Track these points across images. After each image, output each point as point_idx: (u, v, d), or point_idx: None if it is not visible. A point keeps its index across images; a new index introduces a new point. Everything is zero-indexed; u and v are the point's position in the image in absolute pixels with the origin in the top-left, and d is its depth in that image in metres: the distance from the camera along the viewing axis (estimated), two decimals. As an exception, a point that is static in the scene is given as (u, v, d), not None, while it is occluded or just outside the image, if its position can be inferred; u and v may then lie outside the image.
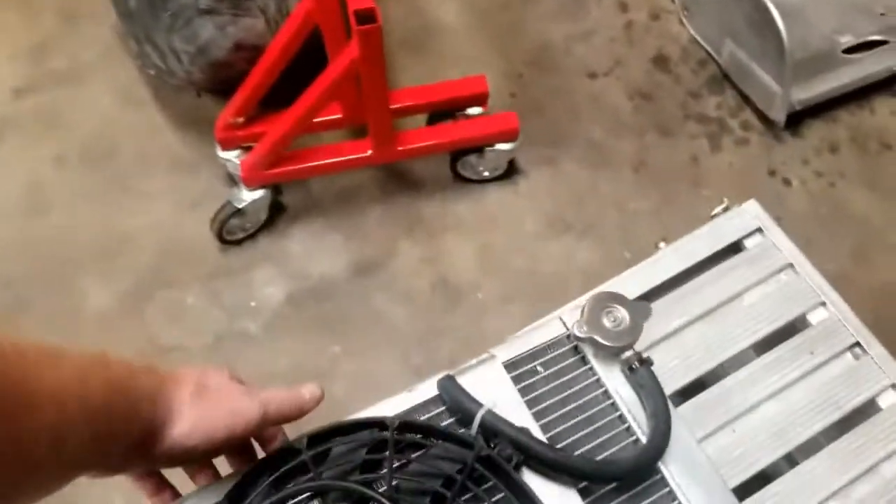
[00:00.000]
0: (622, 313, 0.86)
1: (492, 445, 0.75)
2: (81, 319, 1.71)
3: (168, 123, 1.93)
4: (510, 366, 0.84)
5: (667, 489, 0.82)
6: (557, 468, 0.76)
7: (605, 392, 0.85)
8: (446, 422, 0.80)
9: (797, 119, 1.97)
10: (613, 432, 0.83)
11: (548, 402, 0.83)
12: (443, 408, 0.81)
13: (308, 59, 1.57)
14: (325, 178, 1.84)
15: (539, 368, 0.85)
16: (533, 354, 0.86)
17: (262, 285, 1.77)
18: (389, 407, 0.80)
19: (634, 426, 0.84)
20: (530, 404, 0.82)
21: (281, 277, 1.78)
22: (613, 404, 0.84)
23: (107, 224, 1.81)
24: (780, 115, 1.88)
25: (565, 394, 0.84)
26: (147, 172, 1.87)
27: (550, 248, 1.82)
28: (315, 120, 1.62)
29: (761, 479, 0.90)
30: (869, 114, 2.01)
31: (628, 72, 2.05)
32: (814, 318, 0.98)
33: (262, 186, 1.65)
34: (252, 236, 1.79)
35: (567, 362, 0.86)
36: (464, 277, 1.78)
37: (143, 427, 0.65)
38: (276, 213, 1.80)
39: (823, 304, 0.99)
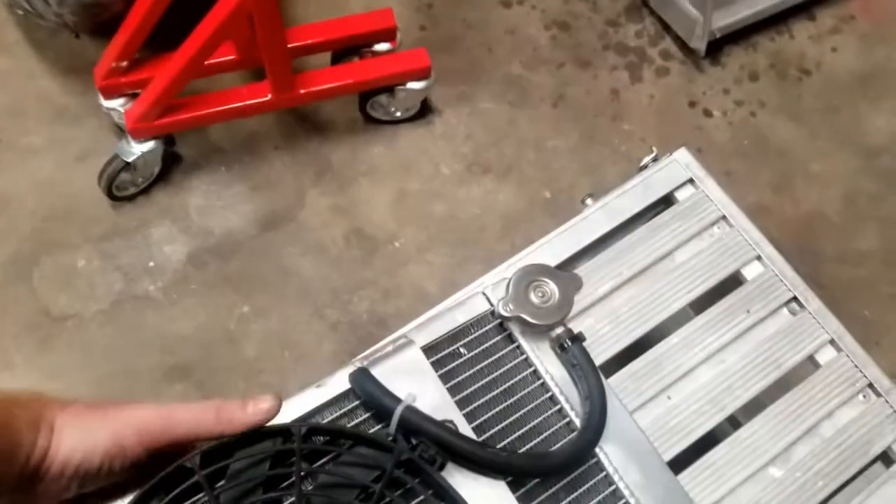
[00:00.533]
0: (551, 287, 0.78)
1: (413, 445, 0.67)
2: (-41, 291, 1.55)
3: (44, 70, 1.74)
4: (430, 350, 0.76)
5: (602, 473, 0.76)
6: (487, 467, 0.69)
7: (535, 372, 0.78)
8: (360, 419, 0.71)
9: (717, 47, 1.91)
10: (545, 415, 0.76)
11: (472, 388, 0.75)
12: (356, 402, 0.72)
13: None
14: (224, 125, 1.69)
15: (462, 350, 0.77)
16: (454, 336, 0.78)
17: (160, 244, 1.64)
18: (296, 406, 0.71)
19: (567, 408, 0.77)
20: (453, 391, 0.74)
21: (181, 234, 1.65)
22: (543, 385, 0.77)
23: (-19, 184, 1.64)
24: (700, 44, 1.81)
25: (491, 377, 0.76)
26: (24, 126, 1.69)
27: (469, 191, 1.73)
28: (207, 62, 1.47)
29: (700, 447, 0.85)
30: (788, 39, 1.96)
31: (544, 0, 1.95)
32: (749, 273, 0.93)
33: (153, 137, 1.50)
34: (146, 191, 1.64)
35: (492, 342, 0.78)
36: (379, 226, 1.69)
37: (25, 461, 0.57)
38: (171, 165, 1.66)
39: (759, 257, 0.93)
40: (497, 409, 0.75)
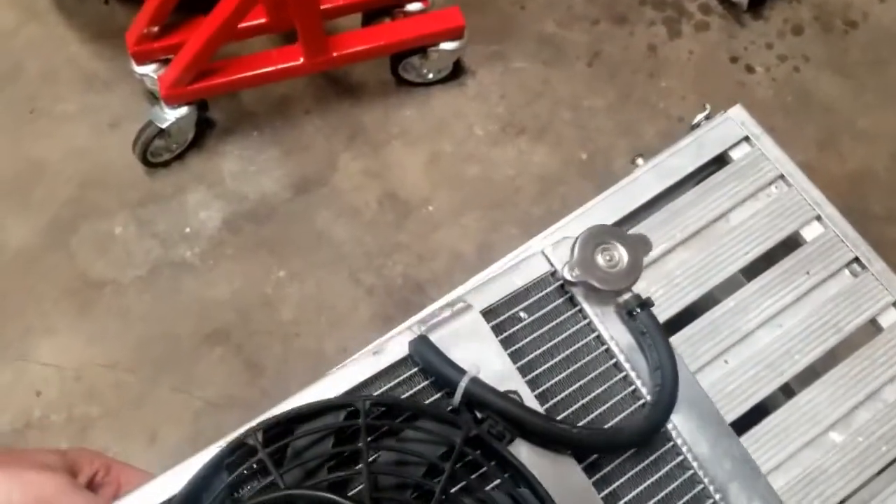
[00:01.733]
0: (619, 251, 0.73)
1: (479, 419, 0.65)
2: (2, 259, 1.55)
3: (75, 36, 1.73)
4: (488, 314, 0.73)
5: (670, 444, 0.74)
6: (557, 442, 0.67)
7: (599, 338, 0.74)
8: (418, 387, 0.69)
9: (761, 1, 1.85)
10: (609, 384, 0.73)
11: (534, 354, 0.72)
12: (414, 370, 0.70)
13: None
14: (256, 89, 1.67)
15: (522, 315, 0.74)
16: (513, 299, 0.74)
17: (196, 210, 1.63)
18: (351, 374, 0.69)
19: (633, 376, 0.74)
20: (515, 358, 0.71)
21: (216, 200, 1.64)
22: (608, 351, 0.74)
23: (16, 153, 1.63)
24: (742, -4, 1.76)
25: (553, 342, 0.73)
26: (57, 93, 1.68)
27: (503, 152, 1.70)
28: (239, 26, 1.44)
29: (758, 412, 0.83)
30: (833, -10, 1.90)
31: (579, -46, 1.89)
32: (808, 234, 0.90)
33: (186, 103, 1.49)
34: (180, 157, 1.63)
35: (553, 306, 0.74)
36: (412, 190, 1.66)
37: None
38: (204, 131, 1.64)
39: (819, 217, 0.90)
40: (560, 377, 0.72)
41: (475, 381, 0.65)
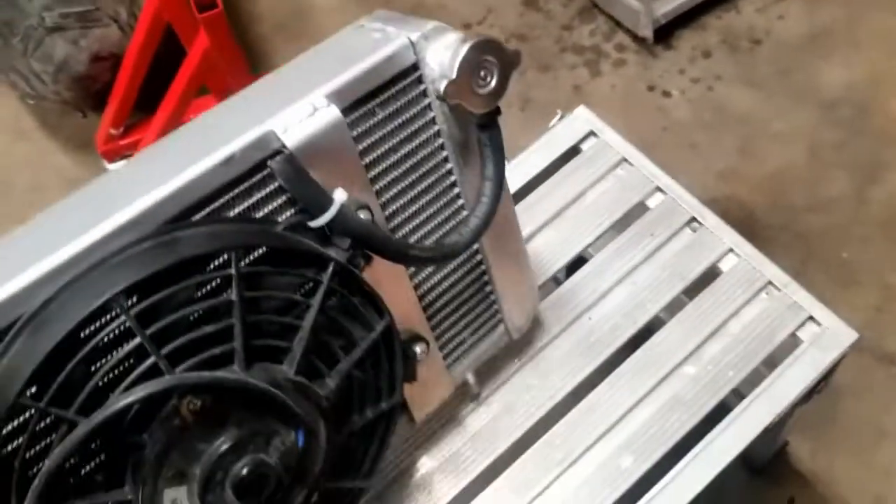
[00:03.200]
0: (494, 70, 0.69)
1: (345, 249, 0.63)
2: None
3: (59, 148, 1.94)
4: (347, 109, 0.66)
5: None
6: (401, 261, 0.70)
7: (442, 146, 0.74)
8: (275, 203, 0.64)
9: (668, 33, 2.02)
10: (444, 199, 0.76)
11: (382, 157, 0.70)
12: (271, 186, 0.64)
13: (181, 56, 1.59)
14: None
15: (377, 110, 0.69)
16: (373, 92, 0.68)
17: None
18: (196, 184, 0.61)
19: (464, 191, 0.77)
20: (368, 166, 0.69)
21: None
22: (446, 159, 0.75)
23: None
24: (647, 31, 1.93)
25: (400, 142, 0.71)
26: (45, 200, 1.88)
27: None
28: (193, 116, 1.65)
29: (624, 353, 0.96)
30: (735, 14, 2.07)
31: (502, 17, 2.10)
32: (652, 203, 1.04)
33: (154, 190, 1.68)
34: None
35: (407, 100, 0.70)
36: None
37: None
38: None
39: (659, 188, 1.04)
40: (402, 186, 0.72)
41: (343, 206, 0.63)
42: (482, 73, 0.68)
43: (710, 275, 0.99)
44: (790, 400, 0.90)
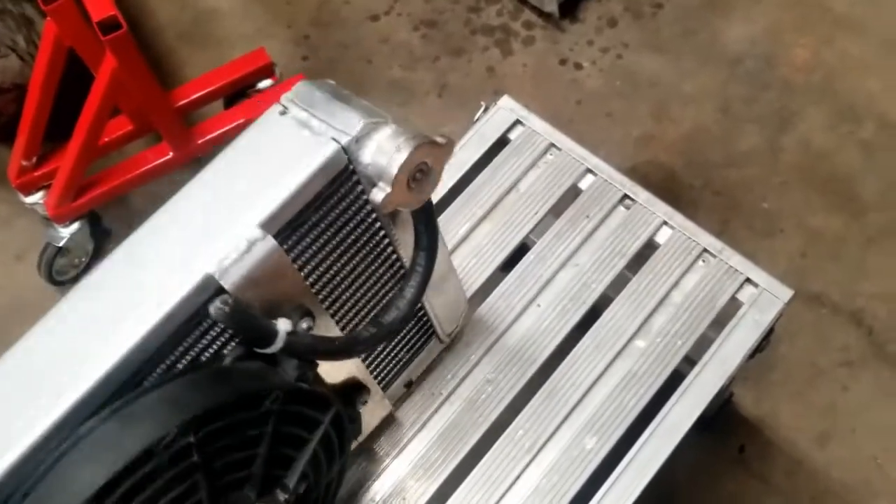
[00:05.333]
0: (429, 167, 0.68)
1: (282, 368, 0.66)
2: None
3: (-31, 185, 1.87)
4: (282, 231, 0.65)
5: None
6: (350, 357, 0.74)
7: (386, 235, 0.75)
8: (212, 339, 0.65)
9: (573, 6, 2.05)
10: (380, 260, 0.77)
11: (319, 258, 0.69)
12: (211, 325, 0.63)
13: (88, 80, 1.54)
14: (144, 192, 1.82)
15: (312, 223, 0.68)
16: (307, 205, 0.66)
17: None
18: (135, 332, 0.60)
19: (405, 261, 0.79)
20: (303, 266, 0.68)
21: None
22: (390, 243, 0.76)
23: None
24: (552, 7, 1.96)
25: (339, 239, 0.70)
26: (-40, 239, 1.82)
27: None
28: (108, 139, 1.60)
29: (575, 335, 0.98)
30: (636, -19, 2.11)
31: (408, 5, 2.09)
32: (584, 185, 1.06)
33: (76, 219, 1.63)
34: (87, 271, 1.76)
35: (342, 202, 0.69)
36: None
37: None
38: (103, 241, 1.78)
39: (589, 170, 1.07)
40: (343, 274, 0.73)
41: (287, 335, 0.64)
42: (417, 176, 0.67)
43: (647, 249, 1.02)
44: (738, 361, 0.94)
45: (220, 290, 0.61)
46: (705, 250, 1.01)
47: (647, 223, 1.03)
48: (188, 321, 0.61)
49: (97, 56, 1.43)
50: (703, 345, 0.96)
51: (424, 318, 0.89)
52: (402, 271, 0.79)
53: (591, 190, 1.05)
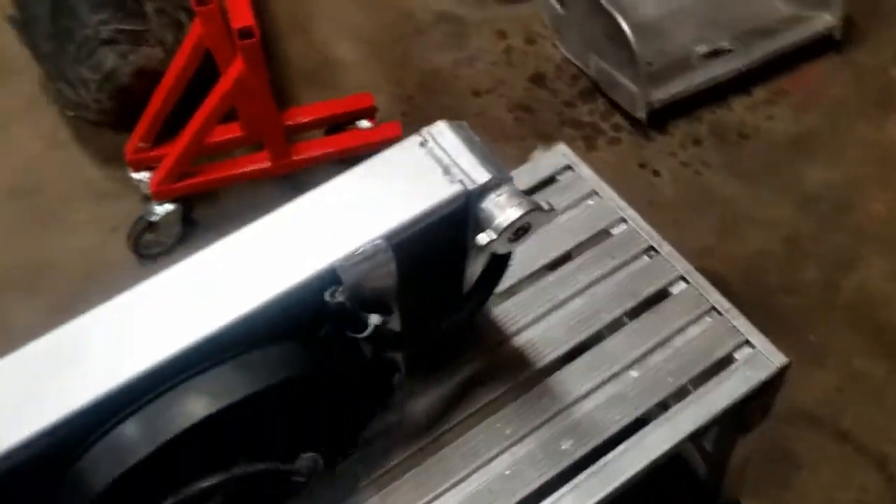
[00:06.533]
0: (529, 227, 0.81)
1: None
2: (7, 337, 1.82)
3: (91, 160, 2.08)
4: (396, 244, 0.77)
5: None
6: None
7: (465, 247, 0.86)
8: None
9: (663, 119, 2.18)
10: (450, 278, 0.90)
11: (413, 269, 0.80)
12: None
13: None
14: (234, 194, 1.98)
15: (419, 240, 0.79)
16: (421, 229, 0.78)
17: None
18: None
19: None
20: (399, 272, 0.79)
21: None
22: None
23: (30, 253, 1.94)
24: (642, 114, 2.09)
25: (433, 255, 0.82)
26: (71, 206, 2.02)
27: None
28: (220, 139, 1.79)
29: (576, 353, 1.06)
30: (727, 111, 2.23)
31: (509, 90, 2.27)
32: (615, 231, 1.16)
33: (172, 200, 1.81)
34: (169, 253, 1.93)
35: (449, 231, 0.82)
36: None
37: None
38: (189, 231, 1.95)
39: (623, 220, 1.17)
40: (423, 284, 0.84)
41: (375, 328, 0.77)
42: (519, 231, 0.80)
43: (660, 296, 1.10)
44: (722, 406, 0.99)
45: (338, 282, 0.74)
46: (714, 308, 1.08)
47: (667, 274, 1.11)
48: (302, 301, 0.74)
49: (228, 60, 1.64)
50: (691, 387, 1.02)
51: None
52: (458, 292, 0.92)
53: (621, 236, 1.15)
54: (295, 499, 0.80)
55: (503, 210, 0.77)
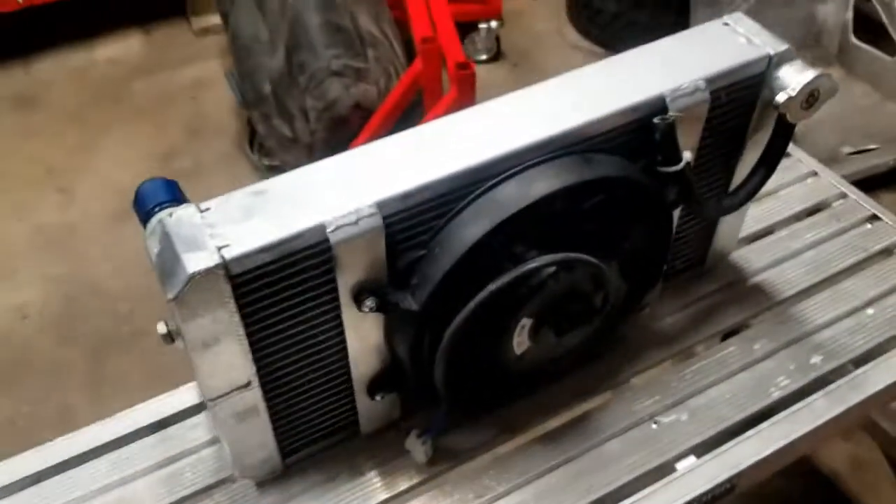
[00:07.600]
0: (819, 95, 0.91)
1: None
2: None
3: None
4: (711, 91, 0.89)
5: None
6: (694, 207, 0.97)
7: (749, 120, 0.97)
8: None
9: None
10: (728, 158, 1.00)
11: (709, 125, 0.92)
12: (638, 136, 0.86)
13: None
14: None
15: (722, 96, 0.90)
16: (728, 84, 0.90)
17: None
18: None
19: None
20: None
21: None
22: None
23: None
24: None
25: (729, 112, 0.94)
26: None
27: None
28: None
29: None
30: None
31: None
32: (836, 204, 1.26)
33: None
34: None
35: (746, 90, 0.92)
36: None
37: None
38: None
39: (844, 195, 1.27)
40: (713, 152, 0.97)
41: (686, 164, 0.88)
42: (809, 99, 0.90)
43: (886, 252, 1.18)
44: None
45: (664, 111, 0.85)
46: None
47: (892, 235, 1.20)
48: (635, 122, 0.86)
49: (436, 97, 1.84)
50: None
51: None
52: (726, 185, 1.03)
53: (844, 205, 1.25)
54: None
55: (800, 72, 0.90)
